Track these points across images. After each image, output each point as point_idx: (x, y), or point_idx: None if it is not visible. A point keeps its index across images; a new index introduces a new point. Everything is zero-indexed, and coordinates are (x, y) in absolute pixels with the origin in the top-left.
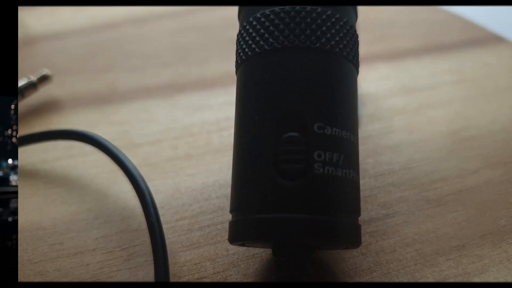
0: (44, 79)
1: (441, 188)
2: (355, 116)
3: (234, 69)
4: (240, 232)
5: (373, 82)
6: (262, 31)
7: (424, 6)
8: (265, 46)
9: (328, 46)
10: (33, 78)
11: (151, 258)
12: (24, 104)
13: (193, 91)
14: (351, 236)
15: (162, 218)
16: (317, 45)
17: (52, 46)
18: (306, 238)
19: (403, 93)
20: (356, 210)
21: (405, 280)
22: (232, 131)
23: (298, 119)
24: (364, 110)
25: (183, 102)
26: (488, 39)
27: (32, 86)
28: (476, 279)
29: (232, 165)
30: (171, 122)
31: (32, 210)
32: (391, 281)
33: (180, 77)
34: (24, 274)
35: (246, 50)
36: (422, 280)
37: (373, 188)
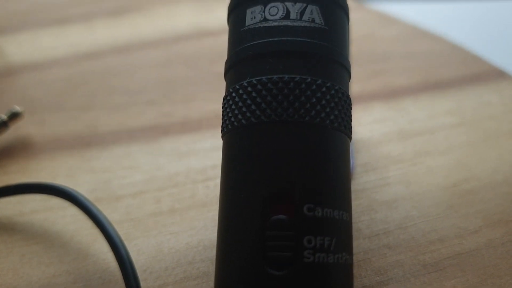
0: (15, 116)
1: (438, 251)
2: (348, 191)
3: (221, 108)
4: None
5: (367, 125)
6: (248, 101)
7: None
8: (252, 119)
9: (318, 119)
10: (4, 116)
11: None
12: None
13: (179, 134)
14: None
15: (144, 284)
16: (306, 118)
17: (31, 78)
18: None
19: (400, 139)
20: None
21: None
22: (218, 181)
23: (286, 199)
24: (359, 158)
25: (167, 146)
26: (489, 75)
27: (2, 125)
28: None
29: (216, 238)
30: (155, 170)
31: (7, 271)
32: None
33: (165, 117)
34: None
35: (233, 119)
36: None
37: (368, 250)
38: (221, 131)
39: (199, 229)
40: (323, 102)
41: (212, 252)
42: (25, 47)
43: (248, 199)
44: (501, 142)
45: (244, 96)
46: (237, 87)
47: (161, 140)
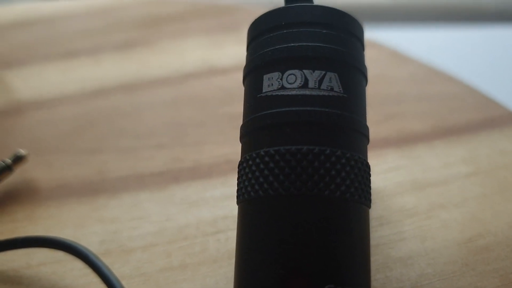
0: (19, 160)
1: None
2: (369, 264)
3: (233, 154)
4: None
5: (381, 174)
6: (266, 172)
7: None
8: (270, 191)
9: (338, 192)
10: (8, 160)
11: None
12: (2, 189)
13: (189, 181)
14: None
15: None
16: (326, 192)
17: (38, 117)
18: None
19: (414, 189)
20: None
21: None
22: (229, 233)
23: (305, 278)
24: (374, 210)
25: (177, 195)
26: (504, 119)
27: (7, 169)
28: None
29: None
30: (165, 221)
31: None
32: None
33: (175, 162)
34: None
35: (249, 189)
36: None
37: None
38: (237, 198)
39: (211, 287)
40: (343, 174)
41: None
42: (32, 81)
43: (265, 279)
44: None
45: (261, 166)
46: (254, 155)
47: (171, 187)
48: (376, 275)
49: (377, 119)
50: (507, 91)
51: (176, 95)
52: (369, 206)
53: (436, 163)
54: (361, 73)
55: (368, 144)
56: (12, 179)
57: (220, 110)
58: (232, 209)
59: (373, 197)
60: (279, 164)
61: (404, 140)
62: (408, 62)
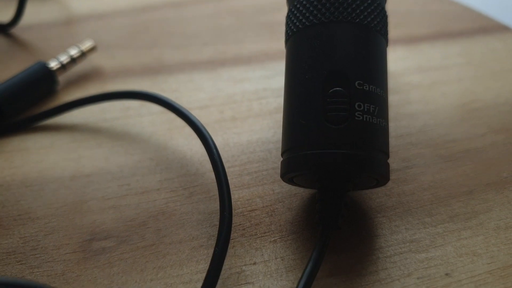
0: (89, 47)
1: (452, 148)
2: (386, 78)
3: (269, 49)
4: (292, 166)
5: (392, 62)
6: (311, 8)
7: None
8: (314, 20)
9: (366, 22)
10: (82, 47)
11: (209, 195)
12: (76, 71)
13: (233, 66)
14: (383, 170)
15: None
16: (357, 20)
17: (98, 25)
18: (348, 167)
19: (419, 72)
20: (386, 152)
21: (423, 216)
22: (270, 99)
23: (342, 77)
24: None
25: (224, 75)
26: (495, 28)
27: (81, 54)
28: (482, 216)
29: (283, 115)
30: (216, 91)
31: (99, 159)
32: (411, 215)
33: (220, 54)
34: (99, 208)
35: (297, 24)
36: (437, 216)
37: (394, 146)
38: (285, 38)
39: (257, 131)
40: (369, 10)
41: (269, 146)
42: (88, 2)
43: (313, 77)
44: (504, 76)
45: (307, 5)
46: (295, 2)
47: (219, 70)
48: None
49: (388, 26)
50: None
51: (217, 10)
52: (387, 43)
53: (437, 55)
54: None
55: (386, 2)
56: (83, 64)
57: (255, 19)
58: (270, 84)
59: None
60: (322, 1)
61: (410, 41)
62: None
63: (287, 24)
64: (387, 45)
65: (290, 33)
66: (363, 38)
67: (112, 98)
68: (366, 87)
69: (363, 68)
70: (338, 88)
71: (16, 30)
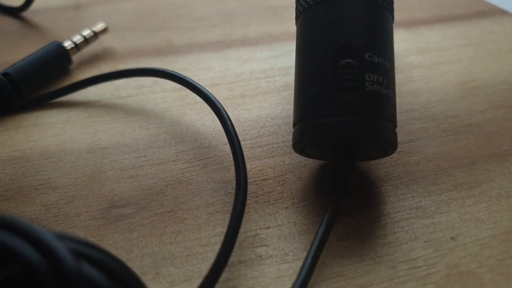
0: (101, 29)
1: (454, 123)
2: (393, 52)
3: (274, 31)
4: (306, 134)
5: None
6: None
7: None
8: None
9: None
10: (94, 28)
11: (223, 166)
12: (88, 51)
13: (240, 47)
14: (392, 138)
15: None
16: None
17: (106, 9)
18: (359, 134)
19: (419, 53)
20: (394, 121)
21: (428, 185)
22: (277, 78)
23: (352, 49)
24: None
25: (232, 55)
26: (493, 12)
27: (93, 35)
28: (484, 185)
29: (294, 88)
30: (224, 70)
31: (115, 133)
32: (417, 184)
33: (227, 36)
34: (117, 178)
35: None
36: (441, 185)
37: (399, 121)
38: (295, 15)
39: (266, 107)
40: None
41: (278, 121)
42: None
43: (325, 50)
44: (502, 56)
45: None
46: None
47: (226, 51)
48: None
49: None
50: None
51: None
52: (393, 18)
53: (436, 38)
54: None
55: None
56: (95, 45)
57: (260, 3)
58: (277, 63)
59: None
60: None
61: (411, 24)
62: None
63: (297, 0)
64: (393, 22)
65: (301, 9)
66: (372, 13)
67: (129, 75)
68: (376, 59)
69: (372, 41)
70: (349, 60)
71: (27, 14)
